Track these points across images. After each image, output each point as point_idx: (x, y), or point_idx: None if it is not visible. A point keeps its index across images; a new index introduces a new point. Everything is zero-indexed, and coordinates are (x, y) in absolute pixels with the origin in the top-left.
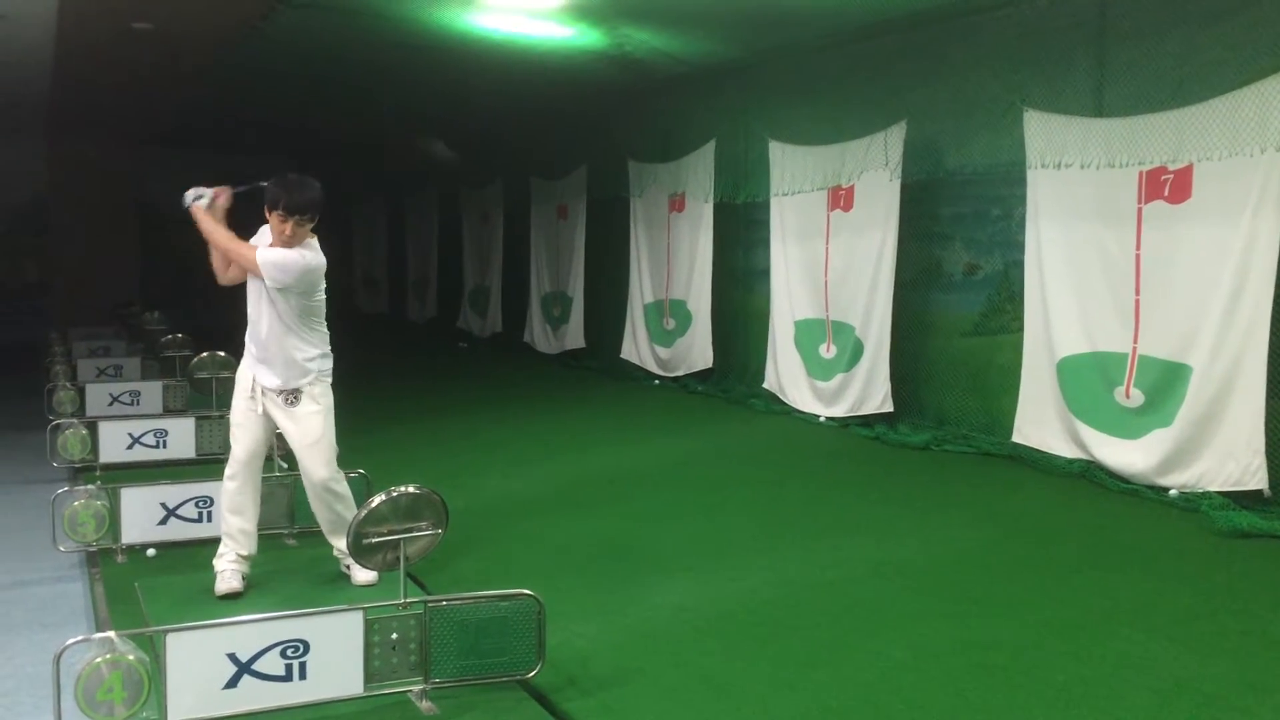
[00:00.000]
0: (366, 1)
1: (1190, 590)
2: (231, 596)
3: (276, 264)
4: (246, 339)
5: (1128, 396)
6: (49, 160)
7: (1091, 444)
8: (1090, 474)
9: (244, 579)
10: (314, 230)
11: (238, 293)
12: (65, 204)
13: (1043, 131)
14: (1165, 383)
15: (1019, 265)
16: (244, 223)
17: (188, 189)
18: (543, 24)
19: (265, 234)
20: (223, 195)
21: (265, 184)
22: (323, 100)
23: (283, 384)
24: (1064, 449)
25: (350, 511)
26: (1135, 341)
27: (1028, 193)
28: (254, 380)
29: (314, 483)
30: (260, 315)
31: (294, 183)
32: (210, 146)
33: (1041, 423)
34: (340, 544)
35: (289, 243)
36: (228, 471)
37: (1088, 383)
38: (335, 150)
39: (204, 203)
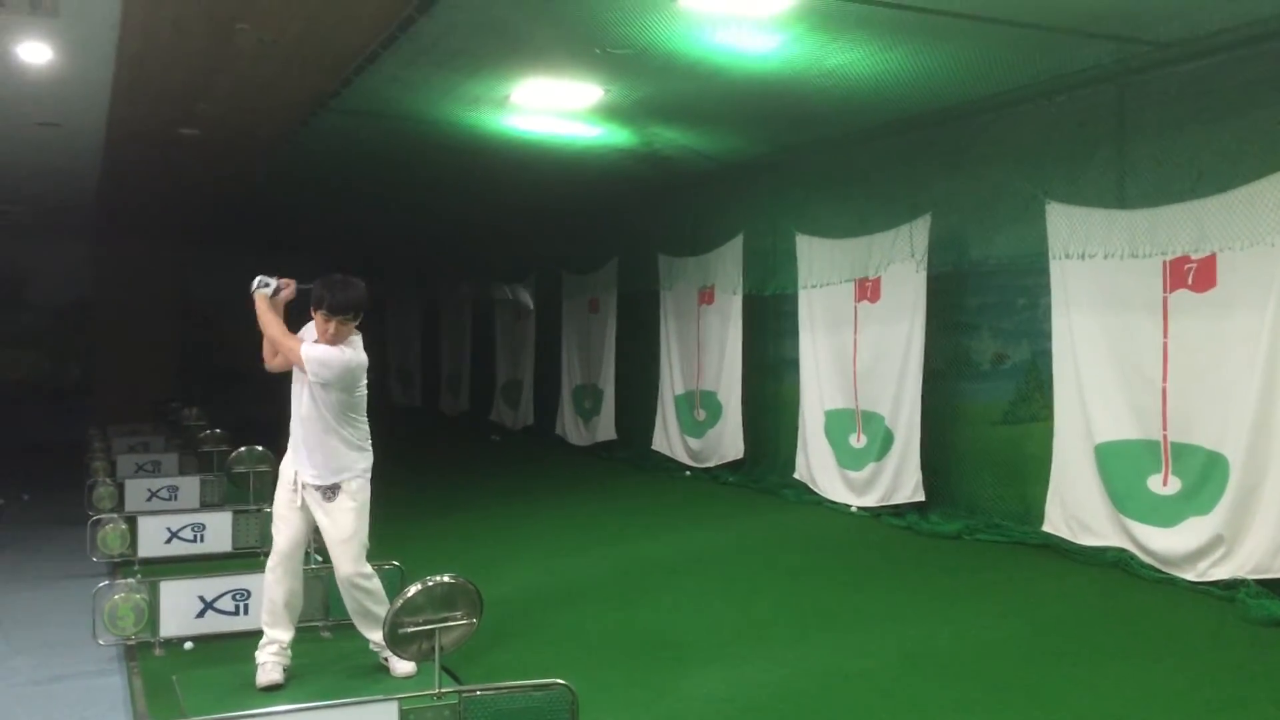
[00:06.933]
0: (403, 106)
1: (1227, 680)
2: (272, 688)
3: (320, 360)
4: (291, 432)
5: (1165, 484)
6: (94, 261)
7: (1127, 531)
8: (1124, 563)
9: (285, 671)
10: (357, 327)
11: (280, 389)
12: (109, 303)
13: (1065, 223)
14: (1203, 471)
15: (1046, 354)
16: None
17: (258, 275)
18: (573, 124)
19: (311, 330)
20: (288, 288)
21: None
22: (360, 199)
23: (320, 478)
24: (1096, 538)
25: (379, 606)
26: (1165, 429)
27: (1052, 283)
28: (295, 474)
29: (342, 577)
30: (301, 409)
31: (337, 283)
32: (254, 244)
33: (1073, 511)
34: (374, 636)
35: (332, 340)
36: (270, 563)
37: (1121, 470)
38: (373, 247)
39: (268, 291)
